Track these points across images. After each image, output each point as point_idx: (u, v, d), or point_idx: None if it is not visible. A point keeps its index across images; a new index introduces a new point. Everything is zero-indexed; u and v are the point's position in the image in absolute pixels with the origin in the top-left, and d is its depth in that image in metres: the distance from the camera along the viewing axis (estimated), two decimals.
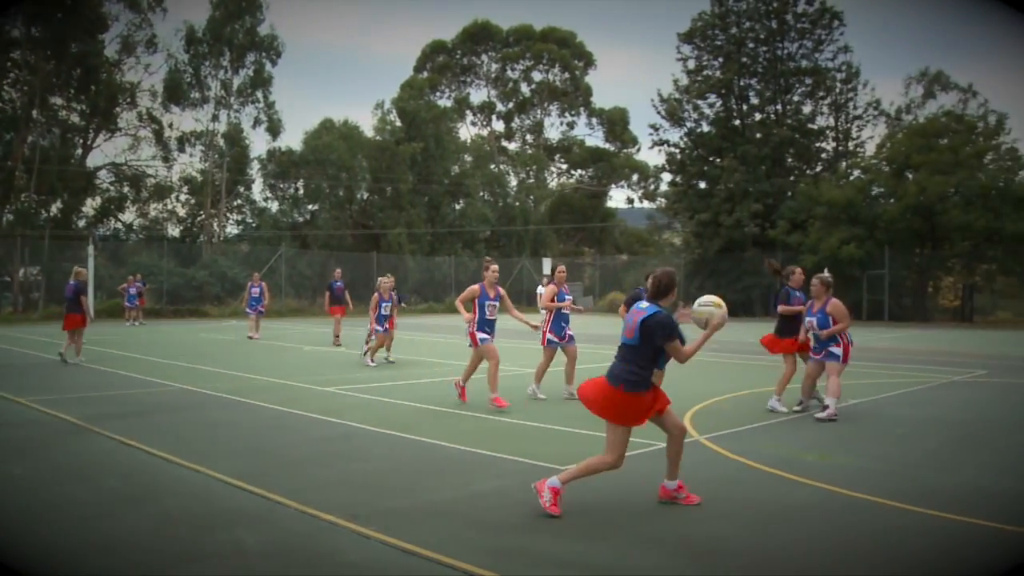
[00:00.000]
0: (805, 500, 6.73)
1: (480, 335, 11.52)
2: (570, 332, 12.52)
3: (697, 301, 6.60)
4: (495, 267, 11.92)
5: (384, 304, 17.38)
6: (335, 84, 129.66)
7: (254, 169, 49.13)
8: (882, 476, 7.55)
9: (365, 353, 17.49)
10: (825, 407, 10.64)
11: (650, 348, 6.28)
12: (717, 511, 6.39)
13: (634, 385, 6.28)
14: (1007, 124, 41.69)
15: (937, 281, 42.05)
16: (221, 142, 46.27)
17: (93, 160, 44.91)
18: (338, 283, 22.64)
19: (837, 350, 10.79)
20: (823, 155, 48.68)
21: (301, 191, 49.03)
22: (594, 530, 5.88)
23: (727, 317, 6.50)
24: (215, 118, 46.04)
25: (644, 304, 6.44)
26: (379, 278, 18.01)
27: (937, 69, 58.44)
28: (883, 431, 9.91)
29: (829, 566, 5.25)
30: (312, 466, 7.78)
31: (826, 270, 11.92)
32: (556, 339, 12.42)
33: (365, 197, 51.13)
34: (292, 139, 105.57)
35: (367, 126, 53.63)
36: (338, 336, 22.03)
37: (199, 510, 6.31)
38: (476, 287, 11.68)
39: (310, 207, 49.48)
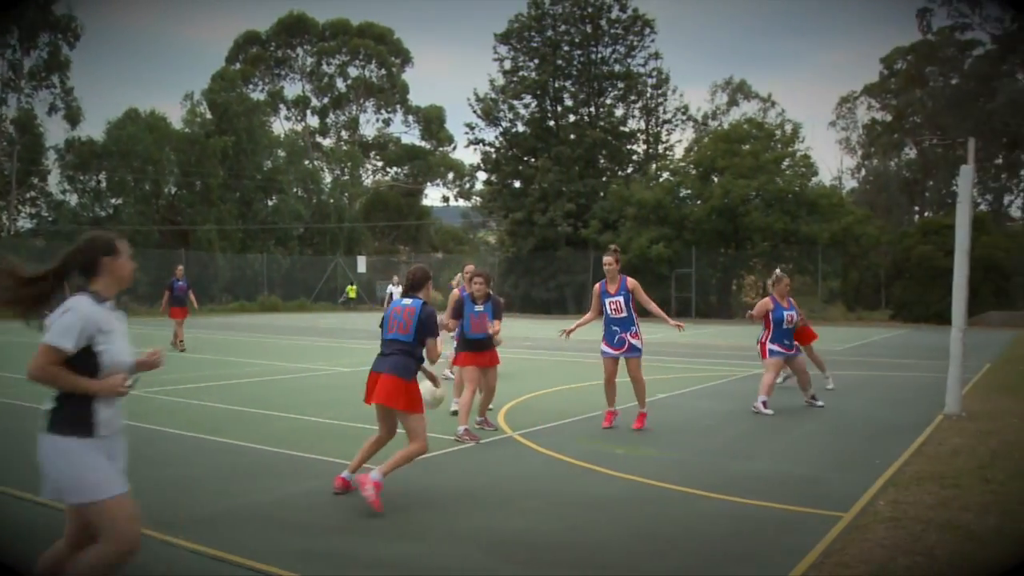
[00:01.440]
0: (616, 492, 6.91)
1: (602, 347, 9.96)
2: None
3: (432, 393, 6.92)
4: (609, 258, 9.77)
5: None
6: (141, 72, 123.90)
7: (50, 159, 46.32)
8: (689, 466, 7.86)
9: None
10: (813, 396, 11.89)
11: (421, 340, 6.54)
12: (529, 506, 6.48)
13: (417, 375, 6.59)
14: (802, 133, 44.30)
15: (740, 280, 44.21)
16: (10, 128, 43.41)
17: None
18: (180, 282, 20.80)
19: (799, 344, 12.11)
20: (634, 157, 50.23)
21: (104, 184, 46.58)
22: (408, 530, 5.85)
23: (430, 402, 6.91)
24: (3, 102, 43.22)
25: (407, 300, 6.67)
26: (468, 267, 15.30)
27: (740, 79, 61.68)
28: (690, 423, 10.31)
29: (640, 554, 5.41)
30: None
31: (779, 269, 12.52)
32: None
33: (173, 192, 49.17)
34: (94, 129, 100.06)
35: (175, 117, 51.71)
36: (182, 340, 20.01)
37: None
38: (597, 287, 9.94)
39: (113, 201, 47.05)
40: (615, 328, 9.73)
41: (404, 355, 6.52)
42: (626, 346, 9.72)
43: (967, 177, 10.87)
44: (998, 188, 55.68)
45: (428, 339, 6.52)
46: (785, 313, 11.66)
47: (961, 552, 5.33)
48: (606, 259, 9.72)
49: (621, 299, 9.68)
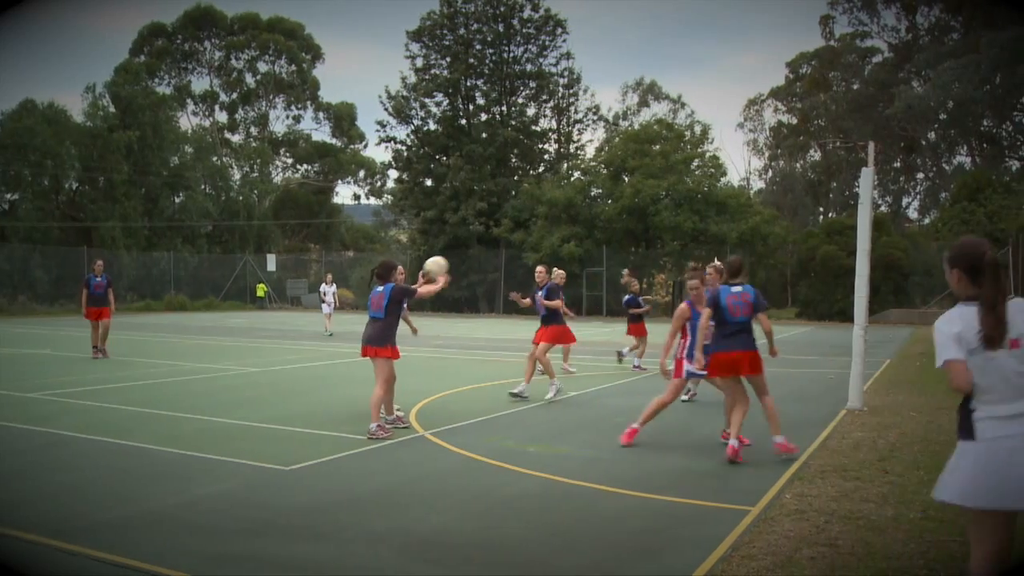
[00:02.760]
0: (529, 490, 6.94)
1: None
2: None
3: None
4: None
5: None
6: (38, 62, 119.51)
7: None
8: (601, 463, 7.94)
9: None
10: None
11: (756, 314, 8.25)
12: (443, 505, 6.47)
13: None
14: (710, 134, 45.02)
15: (651, 278, 44.74)
16: None
17: None
18: (97, 279, 18.08)
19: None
20: (546, 156, 50.46)
21: None
22: (320, 530, 5.79)
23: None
24: None
25: (737, 288, 8.19)
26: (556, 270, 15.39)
27: (651, 80, 62.38)
28: (602, 421, 10.41)
29: (553, 551, 5.44)
30: (9, 481, 7.15)
31: (716, 259, 11.92)
32: None
33: (75, 187, 47.71)
34: None
35: (76, 110, 50.00)
36: (97, 347, 17.66)
37: None
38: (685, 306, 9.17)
39: (9, 196, 45.40)
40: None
41: (745, 332, 8.15)
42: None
43: (868, 179, 11.20)
44: (897, 190, 57.52)
45: (760, 313, 8.21)
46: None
47: (862, 541, 5.50)
48: (692, 283, 9.09)
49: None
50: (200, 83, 65.15)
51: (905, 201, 58.70)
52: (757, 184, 63.26)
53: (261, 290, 47.83)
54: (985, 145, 51.45)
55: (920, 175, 56.97)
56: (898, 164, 56.11)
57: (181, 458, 8.00)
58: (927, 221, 51.90)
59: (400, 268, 10.15)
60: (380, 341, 9.24)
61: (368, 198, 68.79)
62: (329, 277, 27.26)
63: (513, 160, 48.84)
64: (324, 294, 26.45)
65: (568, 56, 48.63)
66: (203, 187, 53.22)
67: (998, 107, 46.48)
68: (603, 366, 16.95)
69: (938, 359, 3.80)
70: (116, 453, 8.23)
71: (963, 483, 3.78)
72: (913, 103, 45.21)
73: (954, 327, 3.78)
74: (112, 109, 47.51)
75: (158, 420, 10.12)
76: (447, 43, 48.07)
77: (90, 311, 17.97)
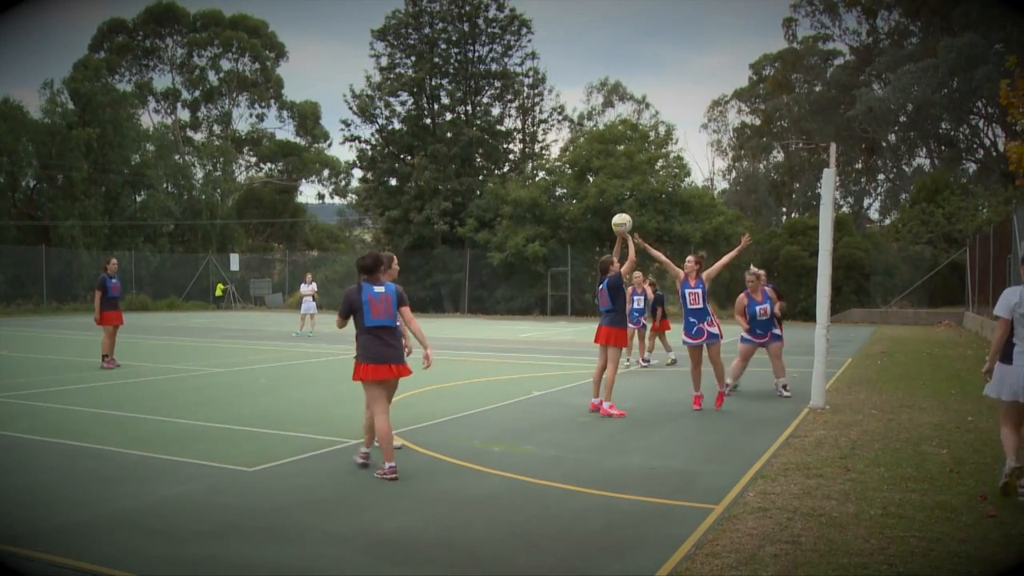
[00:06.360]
0: (493, 489, 6.93)
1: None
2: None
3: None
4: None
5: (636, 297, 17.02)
6: None
7: None
8: (565, 463, 7.94)
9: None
10: (784, 386, 12.65)
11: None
12: (408, 505, 6.44)
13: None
14: (675, 134, 45.22)
15: None
16: None
17: None
18: (114, 280, 16.02)
19: (780, 331, 12.87)
20: (510, 156, 50.40)
21: None
22: (285, 532, 5.74)
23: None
24: None
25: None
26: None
27: (616, 80, 62.50)
28: (565, 420, 10.41)
29: (517, 551, 5.44)
30: None
31: (752, 267, 13.26)
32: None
33: (32, 185, 47.02)
34: None
35: (33, 107, 49.24)
36: (108, 356, 15.84)
37: None
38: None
39: None
40: (692, 320, 11.18)
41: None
42: (705, 335, 11.17)
43: (829, 180, 11.29)
44: (858, 191, 58.17)
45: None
46: (757, 307, 12.67)
47: (824, 538, 5.55)
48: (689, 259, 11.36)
49: (699, 291, 11.27)
50: (162, 80, 64.52)
51: (866, 202, 59.44)
52: (721, 184, 63.65)
53: (220, 289, 47.44)
54: (943, 147, 52.17)
55: (881, 176, 57.66)
56: (859, 165, 56.75)
57: (141, 460, 7.90)
58: (888, 222, 52.54)
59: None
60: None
61: (332, 197, 68.46)
62: (309, 276, 26.89)
63: (478, 160, 48.74)
64: (305, 294, 25.92)
65: (533, 56, 48.59)
66: (165, 186, 52.61)
67: (955, 110, 47.12)
68: (568, 366, 16.97)
69: (995, 311, 6.54)
70: (74, 456, 8.12)
71: (998, 385, 6.60)
72: (874, 105, 45.71)
73: (1014, 297, 6.45)
74: (71, 106, 46.85)
75: (118, 422, 10.00)
76: (412, 42, 47.89)
77: (107, 316, 15.95)
